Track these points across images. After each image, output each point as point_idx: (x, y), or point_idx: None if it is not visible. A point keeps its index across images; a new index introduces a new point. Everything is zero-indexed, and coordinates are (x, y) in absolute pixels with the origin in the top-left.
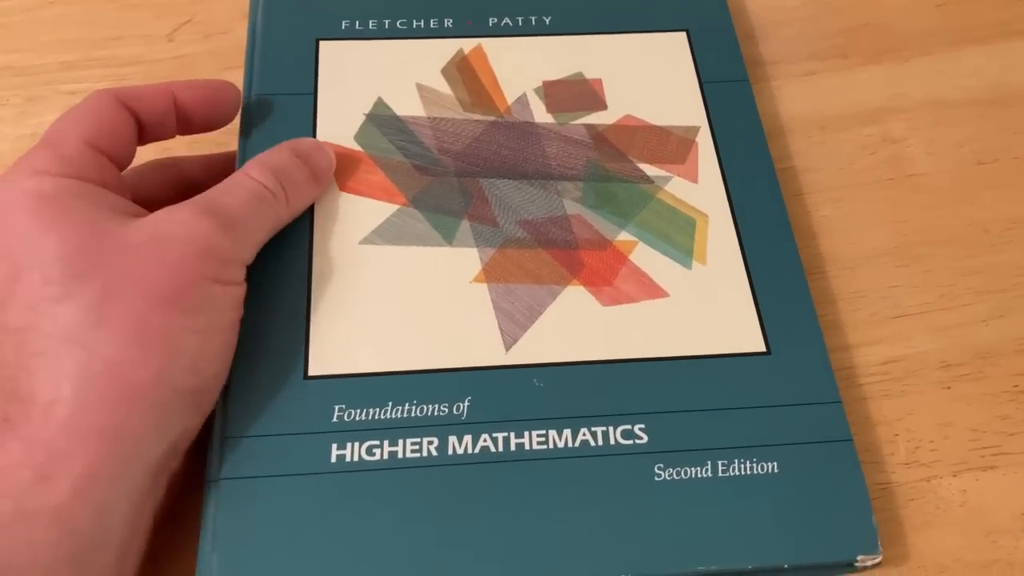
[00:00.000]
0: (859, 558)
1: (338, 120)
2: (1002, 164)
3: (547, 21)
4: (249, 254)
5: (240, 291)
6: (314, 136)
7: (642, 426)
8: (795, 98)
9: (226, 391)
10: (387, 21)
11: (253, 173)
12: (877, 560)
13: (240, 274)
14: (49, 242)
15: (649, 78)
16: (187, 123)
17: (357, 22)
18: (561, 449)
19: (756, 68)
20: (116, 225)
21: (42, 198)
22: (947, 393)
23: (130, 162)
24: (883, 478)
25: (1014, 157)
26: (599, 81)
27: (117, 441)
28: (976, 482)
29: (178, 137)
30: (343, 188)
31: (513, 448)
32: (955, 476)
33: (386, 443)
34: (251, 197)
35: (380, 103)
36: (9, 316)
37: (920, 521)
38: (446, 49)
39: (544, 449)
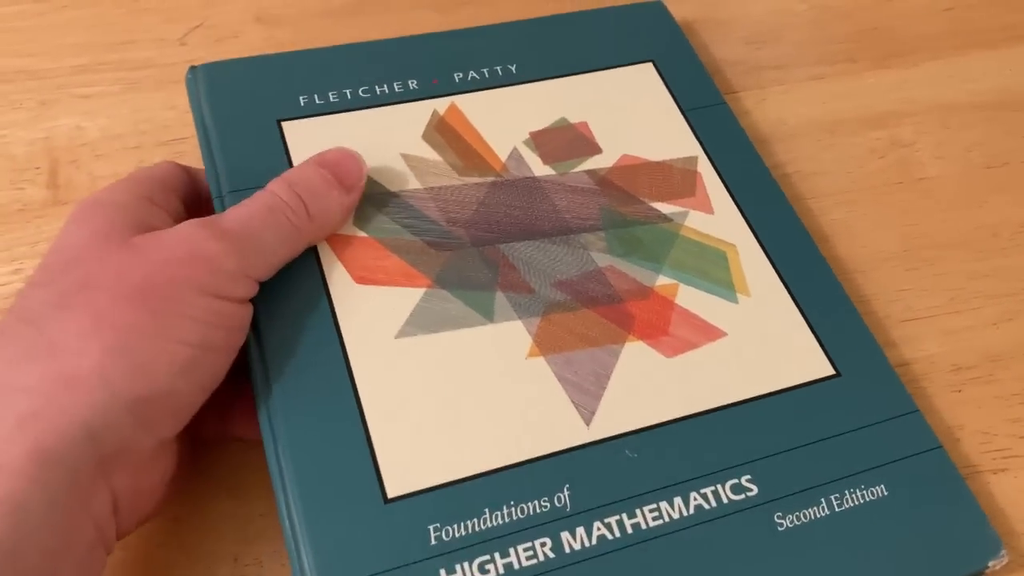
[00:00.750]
0: (990, 563)
1: None
2: (1011, 168)
3: (513, 70)
4: (261, 271)
5: (239, 312)
6: None
7: (748, 476)
8: (804, 102)
9: (303, 535)
10: (348, 91)
11: (269, 187)
12: (1004, 561)
13: (244, 291)
14: (61, 238)
15: (632, 113)
16: None
17: (316, 96)
18: (678, 520)
19: (765, 73)
20: (129, 233)
21: (95, 204)
22: (957, 396)
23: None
24: None
25: (1022, 161)
26: (585, 124)
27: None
28: (987, 485)
29: None
30: (359, 280)
31: (630, 531)
32: (966, 479)
33: (497, 556)
34: (260, 208)
35: (370, 181)
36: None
37: None
38: (419, 113)
39: (661, 524)
